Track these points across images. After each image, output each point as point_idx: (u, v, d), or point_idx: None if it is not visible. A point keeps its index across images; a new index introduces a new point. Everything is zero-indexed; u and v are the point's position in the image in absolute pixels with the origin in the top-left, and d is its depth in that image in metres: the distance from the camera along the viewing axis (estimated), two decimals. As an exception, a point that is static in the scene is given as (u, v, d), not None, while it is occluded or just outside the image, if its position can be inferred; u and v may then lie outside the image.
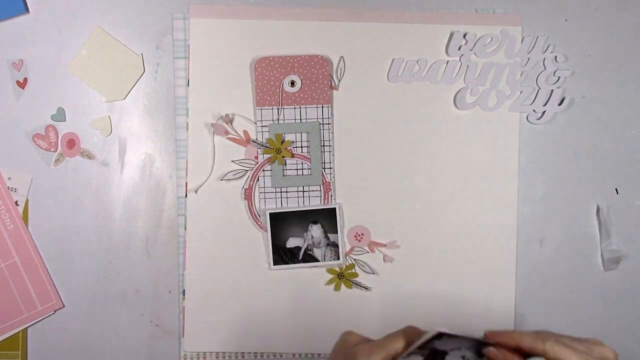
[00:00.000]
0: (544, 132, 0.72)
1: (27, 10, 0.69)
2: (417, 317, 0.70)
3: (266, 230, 0.70)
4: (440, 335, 0.53)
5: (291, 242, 0.70)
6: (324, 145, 0.70)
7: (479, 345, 0.53)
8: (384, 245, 0.71)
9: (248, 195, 0.70)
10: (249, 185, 0.70)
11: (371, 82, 0.70)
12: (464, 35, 0.69)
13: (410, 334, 0.54)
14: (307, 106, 0.69)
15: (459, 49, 0.69)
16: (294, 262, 0.70)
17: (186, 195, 0.70)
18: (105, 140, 0.70)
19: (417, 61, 0.69)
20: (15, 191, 0.70)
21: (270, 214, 0.69)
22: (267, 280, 0.71)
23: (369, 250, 0.71)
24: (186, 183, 0.70)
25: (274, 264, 0.70)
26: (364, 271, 0.71)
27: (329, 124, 0.70)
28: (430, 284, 0.71)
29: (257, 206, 0.70)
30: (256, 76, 0.69)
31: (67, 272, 0.71)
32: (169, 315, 0.71)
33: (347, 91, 0.70)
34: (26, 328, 0.70)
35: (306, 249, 0.70)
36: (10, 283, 0.69)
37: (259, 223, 0.70)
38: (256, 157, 0.70)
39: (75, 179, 0.70)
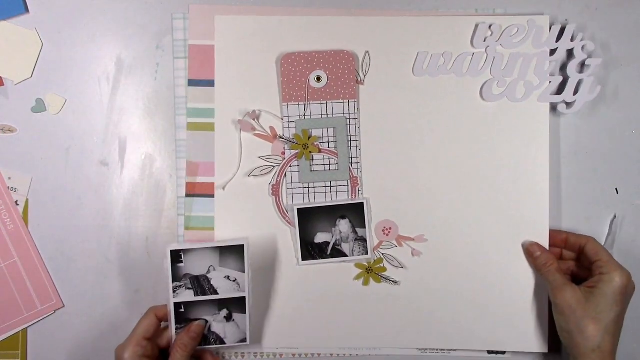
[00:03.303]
0: (574, 123, 0.72)
1: (27, 10, 0.69)
2: (446, 311, 0.71)
3: (294, 226, 0.69)
4: (177, 255, 0.63)
5: (319, 238, 0.70)
6: (350, 140, 0.70)
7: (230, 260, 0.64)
8: (412, 239, 0.70)
9: (275, 191, 0.70)
10: (277, 181, 0.70)
11: (397, 76, 0.69)
12: (490, 27, 0.69)
13: (156, 308, 0.66)
14: (333, 101, 0.69)
15: (485, 40, 0.69)
16: (322, 258, 0.70)
17: (185, 195, 0.70)
18: (105, 140, 0.70)
19: (443, 54, 0.69)
20: (15, 191, 0.70)
21: (298, 209, 0.69)
22: (295, 276, 0.71)
23: (397, 245, 0.71)
24: (186, 183, 0.70)
25: (303, 260, 0.70)
26: (393, 265, 0.71)
27: (355, 118, 0.69)
28: (458, 277, 0.71)
29: (284, 202, 0.70)
30: (282, 72, 0.69)
31: (67, 272, 0.71)
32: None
33: (373, 86, 0.70)
34: (26, 328, 0.71)
35: (334, 244, 0.70)
36: (10, 283, 0.70)
37: (287, 219, 0.70)
38: (283, 153, 0.70)
39: (75, 179, 0.70)
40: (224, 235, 0.70)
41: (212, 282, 0.64)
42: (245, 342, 0.66)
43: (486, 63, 0.69)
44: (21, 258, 0.70)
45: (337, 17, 0.69)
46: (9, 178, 0.70)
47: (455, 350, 0.72)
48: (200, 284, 0.64)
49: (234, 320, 0.66)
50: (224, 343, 0.66)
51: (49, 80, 0.69)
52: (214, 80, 0.70)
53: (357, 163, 0.70)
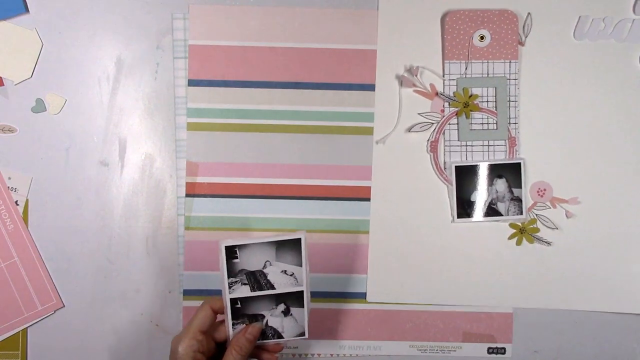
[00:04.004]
0: None
1: (27, 10, 0.69)
2: (597, 273, 0.72)
3: (451, 184, 0.70)
4: (232, 250, 0.60)
5: (476, 196, 0.70)
6: (510, 101, 0.70)
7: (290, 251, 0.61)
8: (566, 201, 0.71)
9: (434, 147, 0.71)
10: (435, 138, 0.71)
11: (557, 38, 0.70)
12: None
13: (211, 300, 0.62)
14: (494, 61, 0.70)
15: None
16: (477, 216, 0.71)
17: (185, 195, 0.70)
18: (105, 140, 0.70)
19: (604, 19, 0.70)
20: (15, 191, 0.70)
21: (455, 167, 0.70)
22: (449, 233, 0.72)
23: (550, 206, 0.71)
24: (186, 183, 0.70)
25: (458, 217, 0.71)
26: (546, 226, 0.71)
27: (515, 79, 0.70)
28: (610, 240, 0.72)
29: (441, 159, 0.71)
30: (446, 29, 0.69)
31: (67, 272, 0.71)
32: (169, 315, 0.72)
33: (534, 47, 0.70)
34: (26, 328, 0.71)
35: (490, 203, 0.70)
36: (10, 283, 0.70)
37: (444, 176, 0.71)
38: (442, 111, 0.71)
39: (75, 179, 0.70)
40: (380, 188, 0.71)
41: (268, 277, 0.62)
42: (304, 335, 0.65)
43: (646, 30, 0.70)
44: (21, 258, 0.70)
45: (500, -23, 0.70)
46: (9, 178, 0.70)
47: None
48: (257, 279, 0.62)
49: (291, 314, 0.64)
50: (282, 337, 0.65)
51: (49, 80, 0.69)
52: (214, 80, 0.70)
53: (515, 123, 0.71)
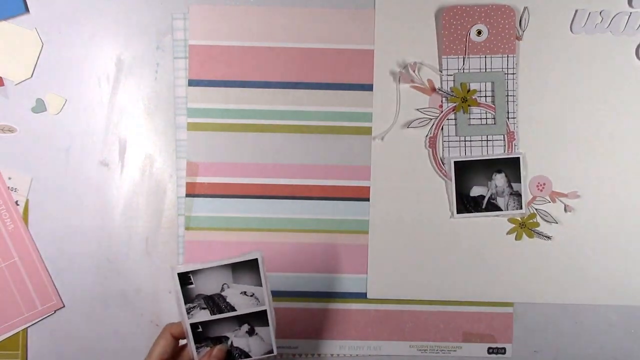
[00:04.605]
0: None
1: (27, 10, 0.69)
2: (598, 266, 0.72)
3: (450, 179, 0.70)
4: (185, 277, 0.58)
5: (475, 191, 0.71)
6: (508, 95, 0.71)
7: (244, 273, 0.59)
8: (565, 195, 0.72)
9: (432, 143, 0.71)
10: (434, 133, 0.71)
11: (554, 32, 0.70)
12: None
13: (171, 326, 0.60)
14: (492, 56, 0.70)
15: None
16: (477, 211, 0.71)
17: (185, 195, 0.70)
18: (105, 140, 0.70)
19: (600, 12, 0.70)
20: (15, 191, 0.70)
21: (455, 162, 0.70)
22: (448, 228, 0.72)
23: (550, 200, 0.72)
24: (186, 183, 0.70)
25: (457, 212, 0.71)
26: (546, 220, 0.72)
27: (513, 73, 0.70)
28: (610, 233, 0.72)
29: (440, 154, 0.71)
30: (444, 25, 0.70)
31: (67, 272, 0.71)
32: (169, 315, 0.71)
33: (531, 41, 0.71)
34: (26, 328, 0.70)
35: (490, 198, 0.71)
36: (10, 283, 0.70)
37: (443, 171, 0.71)
38: (440, 106, 0.71)
39: (75, 179, 0.70)
40: (379, 184, 0.71)
41: (227, 300, 0.60)
42: (273, 352, 0.63)
43: (642, 23, 0.71)
44: (21, 258, 0.70)
45: (498, -29, 0.71)
46: (9, 178, 0.70)
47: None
48: (215, 302, 0.60)
49: (257, 334, 0.62)
50: (249, 356, 0.62)
51: (49, 80, 0.69)
52: (214, 80, 0.70)
53: (513, 118, 0.71)
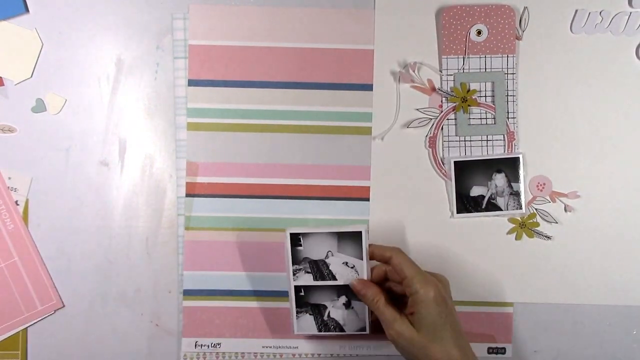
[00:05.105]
0: None
1: (27, 10, 0.69)
2: (598, 266, 0.72)
3: (450, 179, 0.71)
4: (296, 238, 0.63)
5: (475, 191, 0.71)
6: (508, 95, 0.71)
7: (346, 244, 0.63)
8: (565, 195, 0.72)
9: (432, 143, 0.71)
10: (434, 133, 0.71)
11: (554, 32, 0.71)
12: None
13: None
14: (492, 56, 0.70)
15: None
16: (477, 211, 0.71)
17: (185, 195, 0.70)
18: (105, 140, 0.70)
19: (600, 12, 0.70)
20: (15, 191, 0.70)
21: (454, 162, 0.70)
22: (448, 228, 0.72)
23: (550, 200, 0.72)
24: (186, 183, 0.70)
25: (457, 212, 0.71)
26: (546, 220, 0.72)
27: (513, 73, 0.70)
28: (611, 233, 0.72)
29: (440, 154, 0.71)
30: (443, 25, 0.70)
31: (67, 272, 0.71)
32: (169, 315, 0.71)
33: (531, 41, 0.71)
34: (26, 328, 0.70)
35: (490, 198, 0.71)
36: (10, 283, 0.70)
37: (443, 171, 0.71)
38: (440, 106, 0.71)
39: (75, 179, 0.70)
40: (379, 184, 0.71)
41: (330, 268, 0.64)
42: (365, 331, 0.66)
43: (642, 23, 0.71)
44: (21, 258, 0.70)
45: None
46: (9, 178, 0.70)
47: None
48: (319, 268, 0.64)
49: (352, 307, 0.66)
50: (344, 331, 0.66)
51: (49, 80, 0.69)
52: (214, 80, 0.70)
53: (513, 118, 0.71)
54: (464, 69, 0.70)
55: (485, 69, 0.70)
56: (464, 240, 0.72)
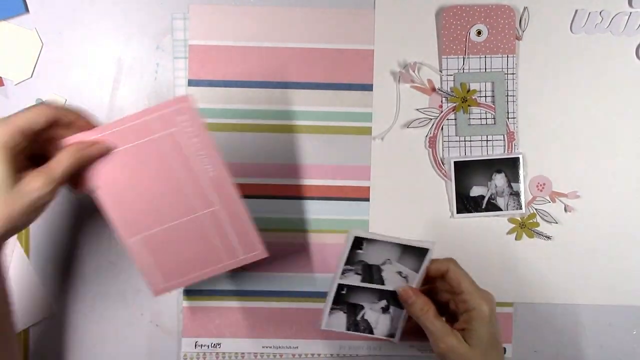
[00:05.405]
0: None
1: (27, 10, 0.69)
2: (598, 266, 0.72)
3: (450, 179, 0.71)
4: (359, 242, 0.61)
5: (475, 191, 0.71)
6: (508, 95, 0.71)
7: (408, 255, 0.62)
8: (565, 195, 0.72)
9: (432, 143, 0.71)
10: (434, 133, 0.71)
11: (554, 32, 0.71)
12: None
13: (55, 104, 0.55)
14: (492, 56, 0.70)
15: None
16: (477, 211, 0.71)
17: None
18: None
19: (600, 12, 0.70)
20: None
21: (454, 162, 0.70)
22: (448, 228, 0.72)
23: (550, 200, 0.72)
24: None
25: (457, 212, 0.71)
26: (545, 221, 0.72)
27: (513, 73, 0.71)
28: (611, 233, 0.72)
29: (440, 154, 0.71)
30: (443, 25, 0.70)
31: (67, 272, 0.70)
32: (169, 315, 0.71)
33: (531, 42, 0.71)
34: (27, 328, 0.70)
35: (489, 198, 0.71)
36: (211, 230, 0.63)
37: (443, 171, 0.71)
38: (440, 106, 0.71)
39: (75, 179, 0.70)
40: (379, 184, 0.71)
41: (382, 274, 0.63)
42: (393, 338, 0.66)
43: (642, 23, 0.71)
44: (223, 206, 0.62)
45: (498, -29, 0.71)
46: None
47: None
48: (371, 272, 0.63)
49: (389, 312, 0.65)
50: (372, 333, 0.65)
51: (49, 80, 0.69)
52: (214, 80, 0.70)
53: (513, 118, 0.71)
54: (463, 69, 0.70)
55: (485, 69, 0.70)
56: (464, 240, 0.72)
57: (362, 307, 0.64)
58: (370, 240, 0.62)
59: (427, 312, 0.61)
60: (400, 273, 0.63)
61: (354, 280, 0.63)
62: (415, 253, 0.62)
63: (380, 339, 0.67)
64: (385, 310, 0.65)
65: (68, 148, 0.55)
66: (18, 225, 0.54)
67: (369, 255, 0.62)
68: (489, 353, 0.59)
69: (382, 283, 0.63)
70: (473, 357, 0.59)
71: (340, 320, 0.65)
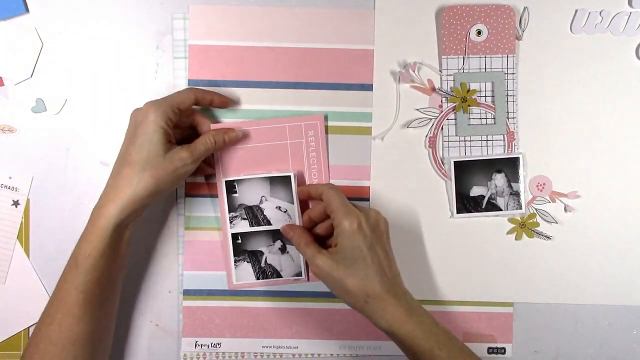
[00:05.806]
0: None
1: (27, 10, 0.69)
2: (598, 266, 0.72)
3: (450, 179, 0.71)
4: (231, 185, 0.67)
5: (475, 191, 0.71)
6: (508, 95, 0.71)
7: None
8: (565, 195, 0.72)
9: (432, 143, 0.71)
10: (434, 133, 0.71)
11: (554, 32, 0.71)
12: None
13: (195, 88, 0.67)
14: (492, 56, 0.70)
15: None
16: (477, 211, 0.71)
17: (185, 195, 0.70)
18: (105, 140, 0.70)
19: (600, 12, 0.70)
20: (16, 190, 0.70)
21: (454, 162, 0.70)
22: (448, 228, 0.72)
23: (550, 200, 0.72)
24: (186, 183, 0.70)
25: (457, 212, 0.71)
26: (545, 220, 0.72)
27: (513, 73, 0.71)
28: (611, 233, 0.72)
29: (440, 154, 0.71)
30: (443, 25, 0.70)
31: (67, 272, 0.70)
32: (169, 315, 0.71)
33: (531, 42, 0.71)
34: (27, 328, 0.70)
35: (489, 198, 0.71)
36: None
37: (443, 171, 0.71)
38: (440, 106, 0.71)
39: (75, 179, 0.70)
40: (379, 184, 0.71)
41: (265, 213, 0.67)
42: (301, 276, 0.68)
43: (642, 23, 0.71)
44: None
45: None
46: (10, 177, 0.70)
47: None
48: (254, 214, 0.67)
49: (288, 252, 0.68)
50: (281, 276, 0.68)
51: (49, 80, 0.70)
52: (214, 80, 0.70)
53: (513, 118, 0.71)
54: (463, 69, 0.70)
55: (485, 69, 0.70)
56: (464, 240, 0.72)
57: (262, 253, 0.68)
58: (241, 181, 0.67)
59: (301, 240, 0.64)
60: (279, 208, 0.66)
61: (243, 226, 0.68)
62: (282, 184, 0.67)
63: (290, 281, 0.70)
64: (283, 250, 0.69)
65: (211, 132, 0.66)
66: (163, 189, 0.61)
67: (245, 196, 0.67)
68: (357, 267, 0.59)
69: (269, 223, 0.68)
70: (336, 272, 0.60)
71: (247, 271, 0.69)
